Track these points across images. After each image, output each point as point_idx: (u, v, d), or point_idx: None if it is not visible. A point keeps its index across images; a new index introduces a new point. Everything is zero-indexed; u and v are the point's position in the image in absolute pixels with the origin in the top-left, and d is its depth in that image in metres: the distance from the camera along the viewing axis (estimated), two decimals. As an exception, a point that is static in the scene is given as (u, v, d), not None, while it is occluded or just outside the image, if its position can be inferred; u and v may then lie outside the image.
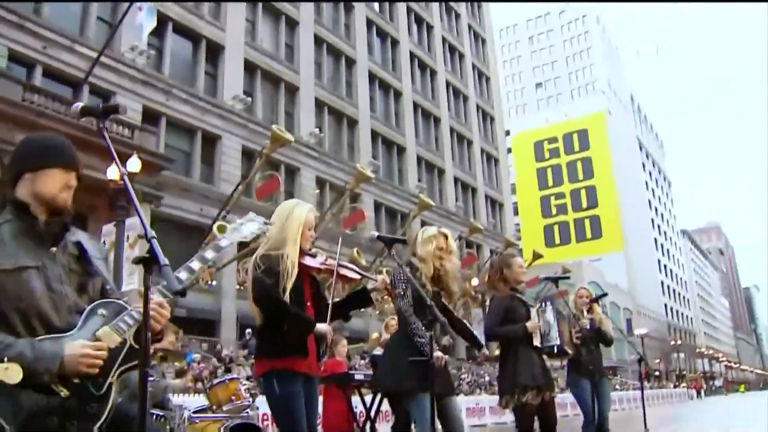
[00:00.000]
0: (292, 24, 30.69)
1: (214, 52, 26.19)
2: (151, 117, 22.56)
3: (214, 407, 5.40)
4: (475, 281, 29.52)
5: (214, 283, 22.26)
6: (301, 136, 28.18)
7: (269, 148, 20.25)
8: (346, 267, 3.89)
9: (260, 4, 29.00)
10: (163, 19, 22.69)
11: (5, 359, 2.15)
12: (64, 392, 2.21)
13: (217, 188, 24.18)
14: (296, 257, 3.51)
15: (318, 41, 32.03)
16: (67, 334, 2.36)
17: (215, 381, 5.78)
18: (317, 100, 30.90)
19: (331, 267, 3.74)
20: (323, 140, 30.57)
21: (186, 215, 22.66)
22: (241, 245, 20.55)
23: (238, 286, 22.98)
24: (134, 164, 16.70)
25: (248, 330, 20.34)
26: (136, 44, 21.95)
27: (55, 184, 2.43)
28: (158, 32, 22.34)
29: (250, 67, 27.52)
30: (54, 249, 2.47)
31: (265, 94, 28.45)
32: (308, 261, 3.64)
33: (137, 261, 1.95)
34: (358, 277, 3.93)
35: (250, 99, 26.59)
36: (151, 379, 5.34)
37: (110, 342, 2.32)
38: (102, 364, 2.27)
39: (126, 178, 2.30)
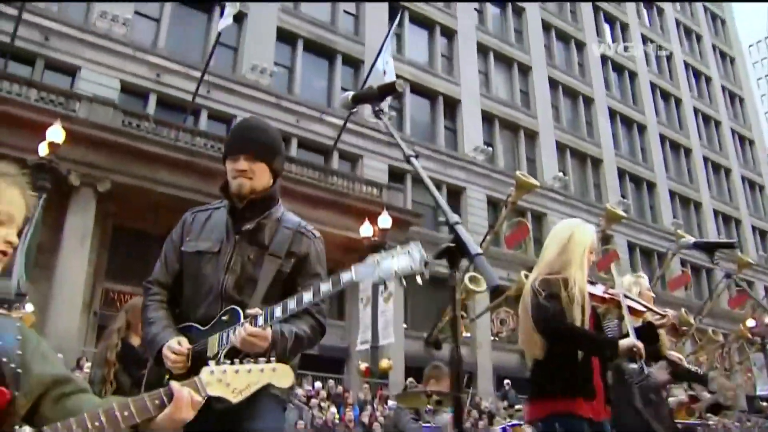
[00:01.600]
0: (525, 70, 30.61)
1: (452, 106, 26.87)
2: (396, 175, 23.51)
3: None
4: (750, 322, 26.37)
5: (468, 335, 22.22)
6: (545, 180, 27.64)
7: (515, 196, 19.97)
8: (631, 298, 3.45)
9: (491, 54, 29.37)
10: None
11: (164, 344, 2.34)
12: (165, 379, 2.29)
13: (465, 240, 24.34)
14: (584, 283, 3.14)
15: (553, 84, 31.54)
16: (204, 327, 2.46)
17: (498, 428, 5.52)
18: (558, 143, 30.24)
19: (616, 297, 3.35)
20: (568, 183, 29.71)
21: (437, 269, 22.71)
22: (495, 294, 20.48)
23: (493, 337, 22.71)
24: (385, 221, 17.43)
25: (506, 381, 19.93)
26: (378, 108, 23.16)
27: (229, 174, 2.55)
28: (399, 95, 23.41)
29: (487, 118, 27.79)
30: (237, 236, 2.54)
31: (505, 142, 28.47)
32: (591, 289, 3.27)
33: (441, 254, 1.68)
34: (644, 310, 3.47)
35: (490, 149, 26.75)
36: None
37: (210, 350, 2.36)
38: (182, 366, 2.32)
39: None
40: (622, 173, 33.00)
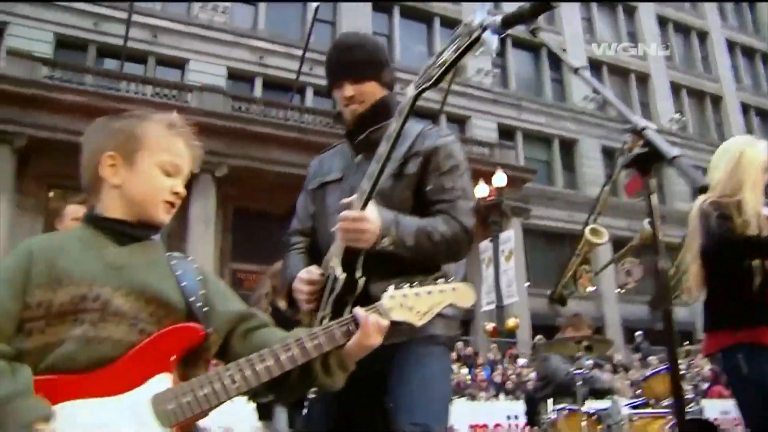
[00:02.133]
0: (630, 10, 29.10)
1: (555, 56, 25.83)
2: (506, 133, 23.08)
3: (652, 402, 4.95)
4: None
5: (593, 288, 21.64)
6: (662, 124, 26.33)
7: (632, 142, 19.16)
8: None
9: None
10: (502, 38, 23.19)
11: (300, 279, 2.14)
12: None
13: (582, 192, 23.72)
14: (760, 206, 2.84)
15: (662, 21, 29.84)
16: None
17: (648, 373, 5.30)
18: (672, 84, 28.68)
19: None
20: (686, 124, 28.19)
21: (554, 224, 22.56)
22: (617, 245, 19.83)
23: (618, 290, 22.01)
24: (500, 179, 17.12)
25: (638, 332, 19.32)
26: (482, 67, 22.76)
27: (338, 104, 2.34)
28: (503, 51, 22.92)
29: (594, 65, 26.65)
30: (358, 156, 2.30)
31: (615, 88, 27.26)
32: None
33: (632, 162, 1.47)
34: None
35: (600, 96, 25.69)
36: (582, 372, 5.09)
37: (335, 266, 2.06)
38: (311, 299, 2.11)
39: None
40: (746, 109, 30.93)
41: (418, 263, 2.08)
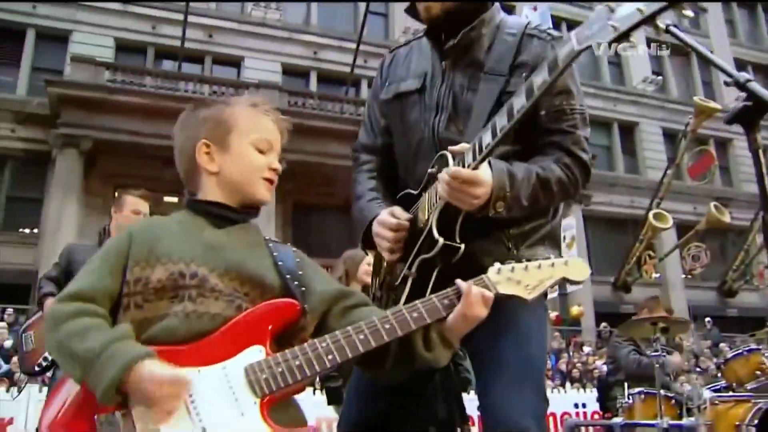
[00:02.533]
0: (691, -13, 28.24)
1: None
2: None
3: (735, 385, 4.78)
4: None
5: (658, 275, 21.13)
6: (726, 104, 25.47)
7: (694, 123, 18.56)
8: None
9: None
10: (558, 22, 22.81)
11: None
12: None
13: (644, 176, 23.17)
14: None
15: (723, -4, 28.87)
16: (414, 192, 1.89)
17: (729, 355, 5.12)
18: (737, 60, 27.63)
19: None
20: (753, 102, 27.18)
21: (617, 209, 22.11)
22: (682, 230, 19.28)
23: (685, 275, 21.45)
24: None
25: (708, 319, 18.80)
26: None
27: None
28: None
29: (651, 43, 26.00)
30: (445, 62, 1.91)
31: (676, 69, 26.51)
32: None
33: (735, 116, 1.36)
34: None
35: (660, 78, 25.04)
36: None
37: (421, 216, 1.80)
38: (396, 248, 1.82)
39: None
40: (816, 84, 29.66)
41: (524, 217, 1.82)
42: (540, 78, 1.53)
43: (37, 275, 11.92)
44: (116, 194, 4.55)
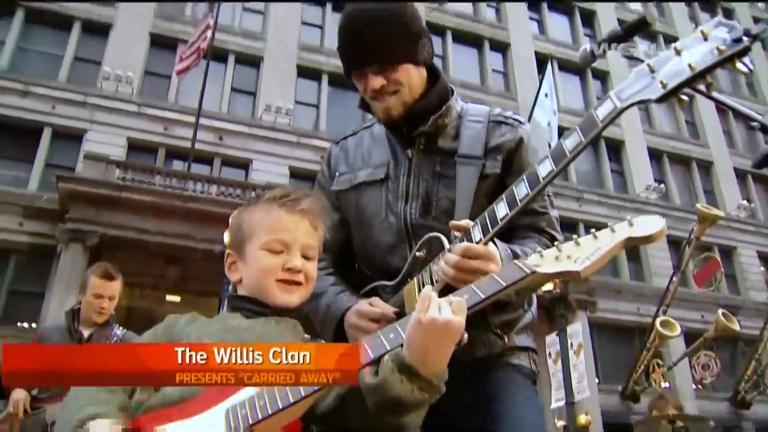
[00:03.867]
0: (692, 101, 29.04)
1: (616, 148, 25.92)
2: (568, 225, 22.80)
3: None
4: None
5: (667, 385, 20.63)
6: (729, 211, 25.69)
7: (698, 230, 18.62)
8: None
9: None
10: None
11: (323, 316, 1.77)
12: None
13: (649, 284, 23.05)
14: None
15: (720, 109, 29.57)
16: (389, 282, 1.74)
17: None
18: (737, 170, 28.12)
19: None
20: (755, 211, 27.40)
21: (623, 317, 21.87)
22: (690, 338, 18.95)
23: (695, 385, 20.94)
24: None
25: (721, 433, 18.20)
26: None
27: (364, 95, 1.84)
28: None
29: (655, 155, 26.50)
30: (411, 150, 1.83)
31: (678, 177, 26.92)
32: None
33: (763, 160, 1.32)
34: None
35: (663, 186, 25.39)
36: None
37: (408, 303, 1.64)
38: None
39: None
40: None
41: (505, 305, 1.72)
42: (572, 141, 1.47)
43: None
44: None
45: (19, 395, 3.75)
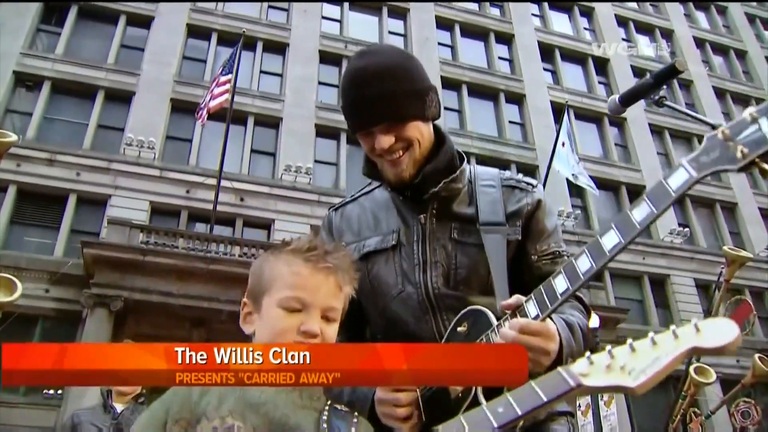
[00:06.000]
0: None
1: (636, 194, 25.74)
2: (594, 275, 22.55)
3: None
4: None
5: (705, 435, 19.98)
6: (758, 253, 25.28)
7: (728, 273, 18.17)
8: None
9: (666, 132, 28.24)
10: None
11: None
12: None
13: (680, 330, 22.63)
14: None
15: (743, 152, 29.43)
16: None
17: None
18: (762, 210, 27.79)
19: None
20: (783, 251, 26.98)
21: (655, 365, 21.39)
22: (727, 385, 18.40)
23: (735, 436, 20.25)
24: (593, 321, 16.49)
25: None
26: (563, 209, 22.73)
27: (370, 154, 1.75)
28: (580, 191, 22.96)
29: (678, 199, 26.26)
30: (424, 215, 1.73)
31: (702, 220, 26.64)
32: None
33: None
34: None
35: (687, 230, 25.12)
36: None
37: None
38: (415, 424, 1.48)
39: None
40: None
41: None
42: (640, 212, 1.33)
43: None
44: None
45: None
